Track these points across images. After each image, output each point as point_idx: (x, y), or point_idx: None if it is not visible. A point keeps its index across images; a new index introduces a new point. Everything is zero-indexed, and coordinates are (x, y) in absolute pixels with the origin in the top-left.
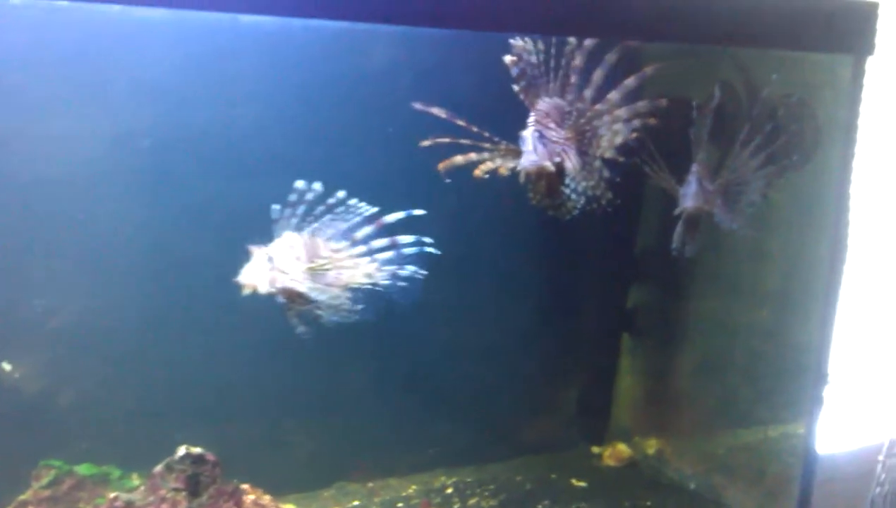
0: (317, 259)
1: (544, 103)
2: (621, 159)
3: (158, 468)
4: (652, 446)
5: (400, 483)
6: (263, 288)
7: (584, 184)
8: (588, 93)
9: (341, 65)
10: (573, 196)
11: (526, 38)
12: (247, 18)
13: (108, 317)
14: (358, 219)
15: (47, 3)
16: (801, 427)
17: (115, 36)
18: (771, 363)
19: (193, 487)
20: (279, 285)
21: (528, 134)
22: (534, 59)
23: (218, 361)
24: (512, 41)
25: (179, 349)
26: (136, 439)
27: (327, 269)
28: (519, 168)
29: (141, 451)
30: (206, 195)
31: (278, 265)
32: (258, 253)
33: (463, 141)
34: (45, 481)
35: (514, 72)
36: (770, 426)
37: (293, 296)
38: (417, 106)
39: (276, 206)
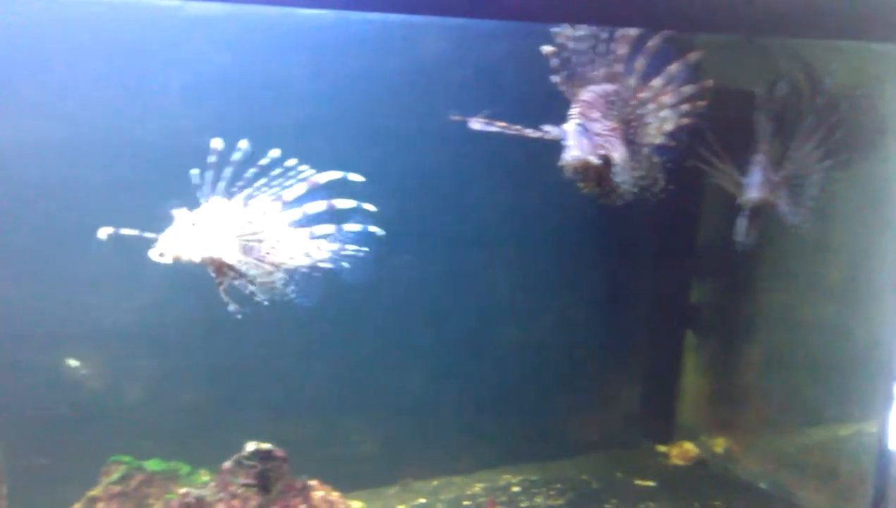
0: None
1: (588, 94)
2: (673, 144)
3: (227, 464)
4: (720, 444)
5: (464, 482)
6: (186, 257)
7: (633, 173)
8: (631, 81)
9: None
10: (622, 186)
11: (571, 26)
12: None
13: (175, 314)
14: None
15: None
16: (873, 426)
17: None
18: (838, 359)
19: (263, 483)
20: (205, 254)
21: (571, 127)
22: (580, 46)
23: (281, 358)
24: (555, 30)
25: (244, 346)
26: (201, 435)
27: (259, 240)
28: (562, 163)
29: (206, 447)
30: None
31: (204, 232)
32: (181, 216)
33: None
34: (114, 476)
35: (554, 62)
36: (840, 424)
37: (222, 269)
38: (455, 117)
39: (195, 171)
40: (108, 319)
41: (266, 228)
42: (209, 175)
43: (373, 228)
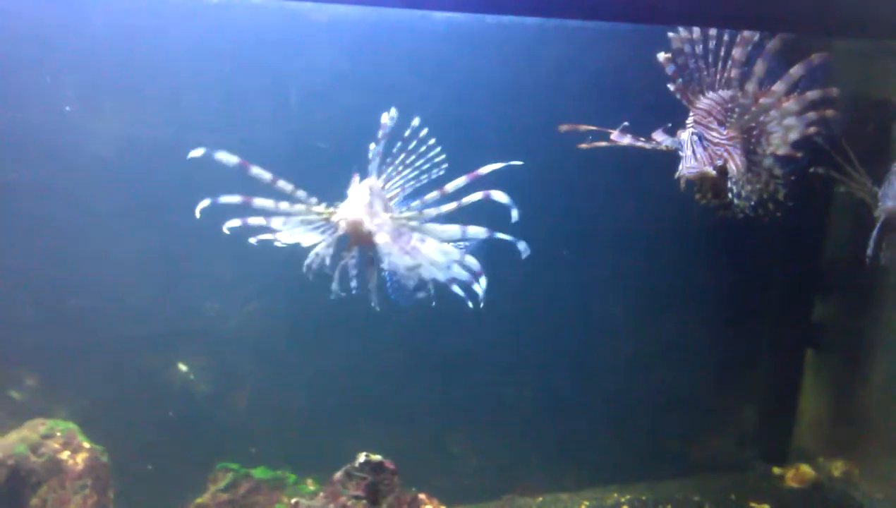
0: (405, 210)
1: (705, 101)
2: (798, 155)
3: (338, 474)
4: (838, 468)
5: (571, 499)
6: (367, 226)
7: (749, 186)
8: (750, 86)
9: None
10: (737, 199)
11: (688, 29)
12: None
13: (284, 320)
14: (425, 164)
15: None
16: None
17: None
18: None
19: (373, 495)
20: (373, 228)
21: (687, 136)
22: (697, 49)
23: (388, 369)
24: (671, 34)
25: (352, 356)
26: (306, 442)
27: (412, 226)
28: (678, 175)
29: (310, 454)
30: None
31: (375, 205)
32: (363, 186)
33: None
34: (222, 484)
35: (670, 69)
36: None
37: (366, 243)
38: (563, 128)
39: (372, 145)
40: (216, 324)
41: (420, 217)
42: (378, 150)
43: (522, 247)
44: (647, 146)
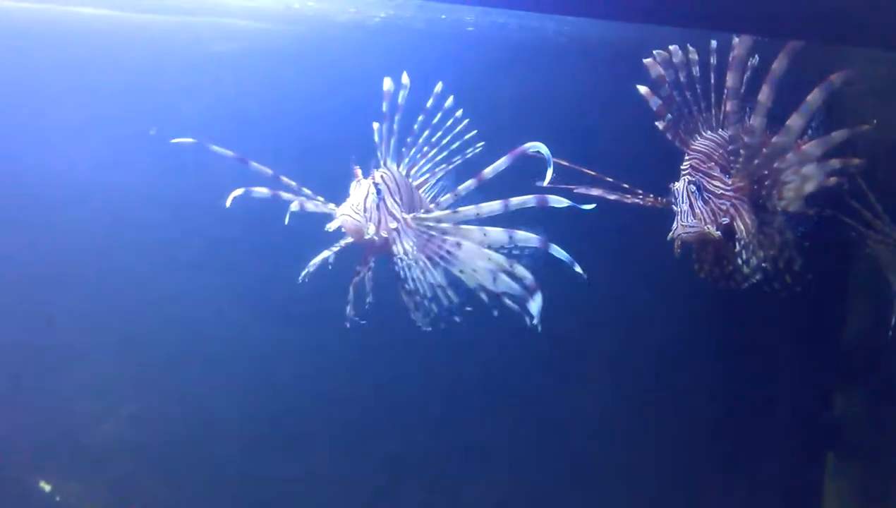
0: (421, 209)
1: (703, 142)
2: (811, 212)
3: None
4: None
5: None
6: (369, 234)
7: (762, 251)
8: (757, 121)
9: None
10: (745, 268)
11: (670, 48)
12: None
13: (173, 423)
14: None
15: None
16: None
17: None
18: None
19: None
20: (384, 234)
21: (682, 186)
22: (681, 76)
23: (307, 483)
24: (647, 60)
25: (260, 462)
26: None
27: (444, 229)
28: (672, 235)
29: None
30: None
31: (387, 205)
32: (365, 182)
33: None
34: None
35: (654, 104)
36: None
37: (384, 252)
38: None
39: (376, 124)
40: (89, 430)
41: (453, 217)
42: (383, 129)
43: (578, 269)
44: (629, 200)
